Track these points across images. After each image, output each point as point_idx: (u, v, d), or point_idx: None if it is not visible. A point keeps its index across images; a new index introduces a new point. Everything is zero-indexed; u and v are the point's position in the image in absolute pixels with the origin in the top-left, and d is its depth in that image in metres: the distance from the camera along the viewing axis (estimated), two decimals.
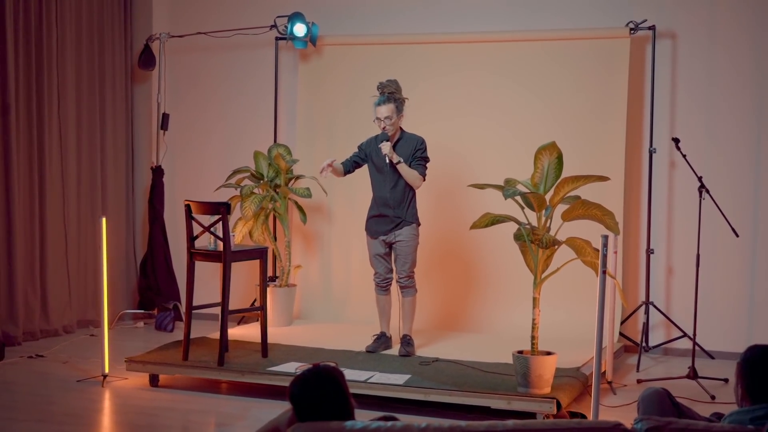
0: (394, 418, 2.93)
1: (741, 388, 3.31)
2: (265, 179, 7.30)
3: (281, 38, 7.77)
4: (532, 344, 5.25)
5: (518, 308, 6.76)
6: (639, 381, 6.12)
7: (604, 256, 4.56)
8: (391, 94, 6.13)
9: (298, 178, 7.35)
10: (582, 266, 5.34)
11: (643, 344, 6.80)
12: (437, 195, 7.22)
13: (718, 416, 3.62)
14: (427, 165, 6.22)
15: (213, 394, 5.79)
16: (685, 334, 6.81)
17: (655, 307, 6.93)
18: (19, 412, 5.40)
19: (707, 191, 6.18)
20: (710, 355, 6.80)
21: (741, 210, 6.82)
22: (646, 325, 6.84)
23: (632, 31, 6.91)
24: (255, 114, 8.07)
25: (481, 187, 5.48)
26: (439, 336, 6.87)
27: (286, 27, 7.61)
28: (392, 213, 6.21)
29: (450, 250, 7.35)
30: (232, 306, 6.11)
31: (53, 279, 7.45)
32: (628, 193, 7.05)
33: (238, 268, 7.19)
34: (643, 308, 6.90)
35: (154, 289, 7.95)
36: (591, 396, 4.69)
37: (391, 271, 6.35)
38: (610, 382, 5.94)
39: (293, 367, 5.68)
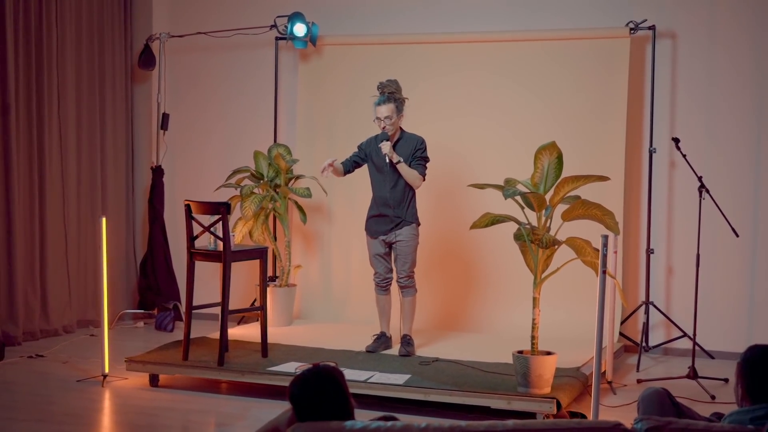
0: (394, 418, 2.93)
1: (741, 388, 3.31)
2: (265, 179, 7.30)
3: (281, 38, 7.77)
4: (532, 344, 5.25)
5: (518, 308, 6.76)
6: (639, 381, 6.12)
7: (604, 256, 4.56)
8: (391, 94, 6.14)
9: (298, 178, 7.36)
10: (582, 266, 5.34)
11: (643, 344, 6.80)
12: (437, 195, 7.22)
13: (718, 416, 3.62)
14: (427, 165, 6.22)
15: (213, 394, 5.79)
16: (685, 334, 6.81)
17: (655, 307, 6.93)
18: (19, 412, 5.40)
19: (707, 191, 6.18)
20: (710, 355, 6.80)
21: (741, 210, 6.82)
22: (646, 325, 6.84)
23: (632, 31, 6.91)
24: (255, 114, 8.07)
25: (481, 187, 5.48)
26: (439, 336, 6.87)
27: (286, 27, 7.61)
28: (392, 213, 6.21)
29: (450, 250, 7.35)
30: (232, 306, 6.11)
31: (53, 279, 7.45)
32: (628, 193, 7.05)
33: (238, 268, 7.19)
34: (643, 308, 6.90)
35: (154, 289, 7.95)
36: (591, 396, 4.69)
37: (391, 271, 6.35)
38: (610, 382, 5.94)
39: (293, 367, 5.68)
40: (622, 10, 7.07)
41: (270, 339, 6.17)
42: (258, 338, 6.16)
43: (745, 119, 6.88)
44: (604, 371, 5.94)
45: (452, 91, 7.38)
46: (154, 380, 5.94)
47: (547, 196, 5.23)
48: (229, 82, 8.18)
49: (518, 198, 5.24)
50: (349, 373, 5.40)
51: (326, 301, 7.69)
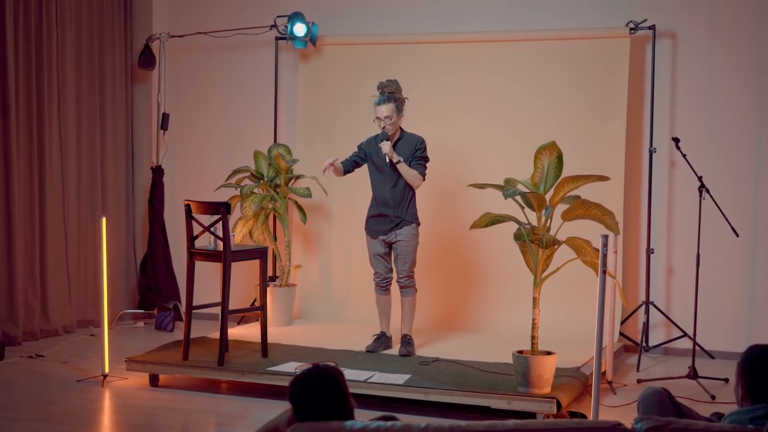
0: (394, 418, 2.93)
1: (741, 388, 3.31)
2: (265, 179, 7.30)
3: (281, 38, 7.77)
4: (532, 344, 5.25)
5: (518, 308, 6.76)
6: (639, 381, 6.12)
7: (604, 256, 4.56)
8: (391, 93, 6.14)
9: (298, 177, 7.36)
10: (582, 266, 5.34)
11: (643, 344, 6.80)
12: (437, 195, 7.22)
13: (718, 416, 3.62)
14: (427, 165, 6.22)
15: (213, 394, 5.79)
16: (685, 334, 6.81)
17: (655, 306, 6.93)
18: (19, 412, 5.40)
19: (707, 191, 6.18)
20: (710, 355, 6.80)
21: (741, 210, 6.82)
22: (646, 324, 6.84)
23: (632, 31, 6.91)
24: (255, 114, 8.07)
25: (481, 186, 5.48)
26: (439, 336, 6.87)
27: (286, 27, 7.61)
28: (392, 213, 6.21)
29: (450, 250, 7.35)
30: (232, 306, 6.11)
31: (53, 279, 7.45)
32: (628, 193, 7.05)
33: (238, 268, 7.19)
34: (643, 308, 6.90)
35: (154, 289, 7.95)
36: (591, 396, 4.69)
37: (391, 270, 6.35)
38: (610, 382, 5.94)
39: (293, 367, 5.68)
40: (622, 10, 7.07)
41: (270, 339, 6.17)
42: (258, 338, 6.16)
43: (745, 119, 6.88)
44: (604, 371, 5.94)
45: (452, 91, 7.38)
46: (154, 380, 5.94)
47: (547, 196, 5.23)
48: (229, 82, 8.18)
49: (518, 198, 5.24)
50: (349, 373, 5.40)
51: (326, 301, 7.69)
